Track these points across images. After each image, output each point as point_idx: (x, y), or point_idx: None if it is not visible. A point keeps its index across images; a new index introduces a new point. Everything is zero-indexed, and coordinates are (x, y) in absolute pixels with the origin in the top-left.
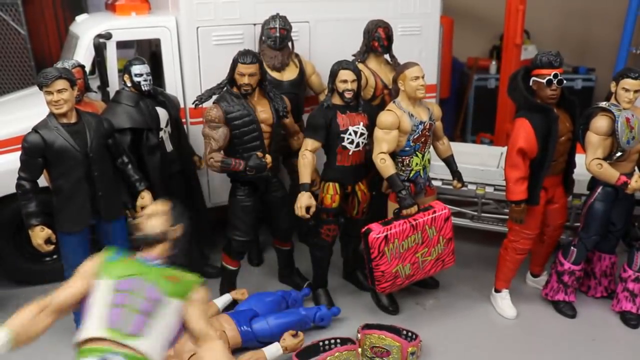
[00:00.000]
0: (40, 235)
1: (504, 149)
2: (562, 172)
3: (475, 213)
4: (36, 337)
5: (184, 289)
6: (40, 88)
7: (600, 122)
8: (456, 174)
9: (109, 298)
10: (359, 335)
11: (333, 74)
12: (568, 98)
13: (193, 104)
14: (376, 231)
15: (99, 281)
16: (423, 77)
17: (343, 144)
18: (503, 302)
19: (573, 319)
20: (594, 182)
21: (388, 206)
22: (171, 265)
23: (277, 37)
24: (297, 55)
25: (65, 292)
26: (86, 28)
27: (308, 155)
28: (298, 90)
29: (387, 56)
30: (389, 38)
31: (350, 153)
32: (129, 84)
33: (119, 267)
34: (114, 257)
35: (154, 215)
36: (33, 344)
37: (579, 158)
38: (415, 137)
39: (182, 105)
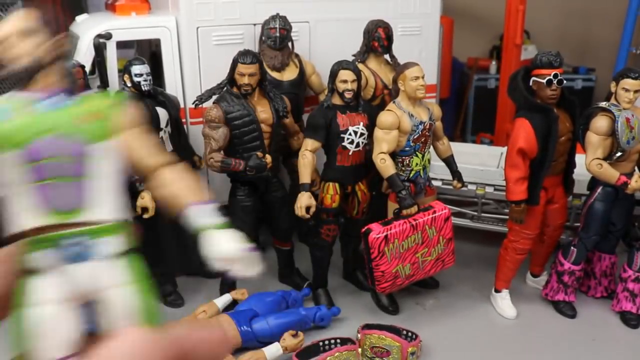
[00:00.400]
0: None
1: (504, 149)
2: (562, 172)
3: (475, 213)
4: None
5: (110, 122)
6: None
7: (600, 122)
8: (456, 174)
9: (27, 174)
10: (359, 335)
11: (333, 74)
12: (568, 98)
13: (193, 104)
14: (376, 231)
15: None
16: (423, 77)
17: (343, 144)
18: (503, 302)
19: (573, 319)
20: (594, 182)
21: (388, 206)
22: (76, 95)
23: (277, 37)
24: (297, 55)
25: None
26: (86, 28)
27: (308, 155)
28: (298, 90)
29: (387, 56)
30: (389, 38)
31: (350, 153)
32: (129, 84)
33: (12, 130)
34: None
35: (16, 36)
36: None
37: (579, 158)
38: (415, 137)
39: (182, 105)
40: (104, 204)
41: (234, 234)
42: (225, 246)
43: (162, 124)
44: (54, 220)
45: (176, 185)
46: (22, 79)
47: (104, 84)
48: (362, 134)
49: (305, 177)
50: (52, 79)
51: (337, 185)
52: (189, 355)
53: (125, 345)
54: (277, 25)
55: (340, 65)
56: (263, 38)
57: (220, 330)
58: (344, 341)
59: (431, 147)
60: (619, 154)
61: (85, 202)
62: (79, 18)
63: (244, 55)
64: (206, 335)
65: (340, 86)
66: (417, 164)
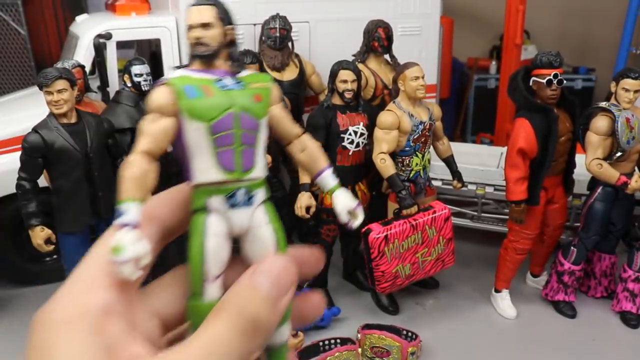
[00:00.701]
0: (40, 235)
1: (504, 149)
2: (562, 172)
3: (475, 213)
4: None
5: (268, 102)
6: (40, 88)
7: (600, 122)
8: (456, 174)
9: (211, 142)
10: (359, 335)
11: (333, 74)
12: (568, 98)
13: None
14: (376, 231)
15: (190, 122)
16: (423, 77)
17: (343, 144)
18: (503, 302)
19: (573, 319)
20: (594, 182)
21: (388, 206)
22: (242, 75)
23: (277, 37)
24: (297, 55)
25: (154, 135)
26: (86, 28)
27: None
28: (298, 90)
29: (387, 56)
30: (389, 38)
31: (350, 153)
32: (129, 84)
33: (206, 107)
34: (191, 94)
35: (204, 19)
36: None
37: (579, 158)
38: (415, 137)
39: None
40: (260, 164)
41: (348, 191)
42: (348, 202)
43: None
44: (233, 177)
45: (314, 151)
46: (204, 61)
47: (104, 84)
48: (362, 134)
49: (305, 177)
50: (223, 62)
51: None
52: (299, 268)
53: (273, 265)
54: (277, 25)
55: (340, 65)
56: (263, 38)
57: (319, 251)
58: (344, 341)
59: (431, 147)
60: (619, 154)
61: (254, 164)
62: (79, 18)
63: (243, 55)
64: (309, 252)
65: (340, 86)
66: (417, 164)
